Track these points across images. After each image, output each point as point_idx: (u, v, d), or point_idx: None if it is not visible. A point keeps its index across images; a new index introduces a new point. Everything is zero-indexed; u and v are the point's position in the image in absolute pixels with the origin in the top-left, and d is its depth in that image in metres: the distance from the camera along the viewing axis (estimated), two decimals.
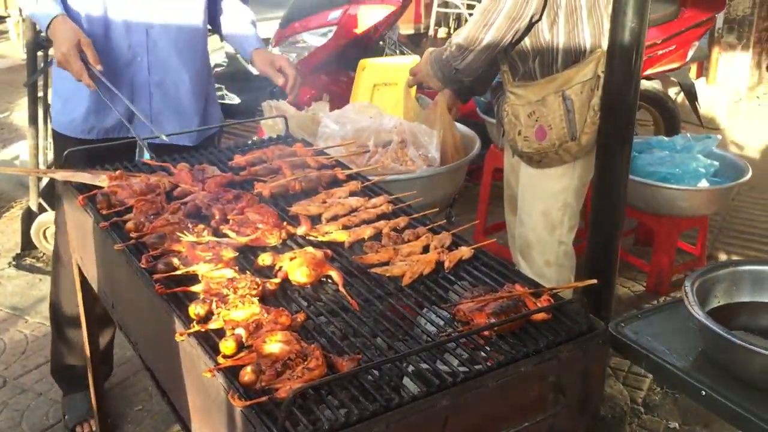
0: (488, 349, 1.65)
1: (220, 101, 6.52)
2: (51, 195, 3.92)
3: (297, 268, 1.85)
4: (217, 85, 6.58)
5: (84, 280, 2.49)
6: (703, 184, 3.98)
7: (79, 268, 2.47)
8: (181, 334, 1.61)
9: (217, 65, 6.54)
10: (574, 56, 2.83)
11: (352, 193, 2.35)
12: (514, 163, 3.17)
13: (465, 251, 2.01)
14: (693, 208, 3.99)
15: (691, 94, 5.33)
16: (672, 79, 5.75)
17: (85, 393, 3.03)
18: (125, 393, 3.40)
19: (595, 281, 1.93)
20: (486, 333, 1.68)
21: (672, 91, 6.01)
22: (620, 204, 2.81)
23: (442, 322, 1.79)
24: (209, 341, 1.63)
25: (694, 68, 7.23)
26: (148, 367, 1.97)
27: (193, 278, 1.84)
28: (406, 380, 1.60)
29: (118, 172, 2.33)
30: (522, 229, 3.11)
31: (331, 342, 1.66)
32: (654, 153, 4.11)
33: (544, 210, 3.01)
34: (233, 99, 6.61)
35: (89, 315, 2.58)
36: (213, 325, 1.65)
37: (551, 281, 2.97)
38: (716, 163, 4.02)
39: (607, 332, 1.72)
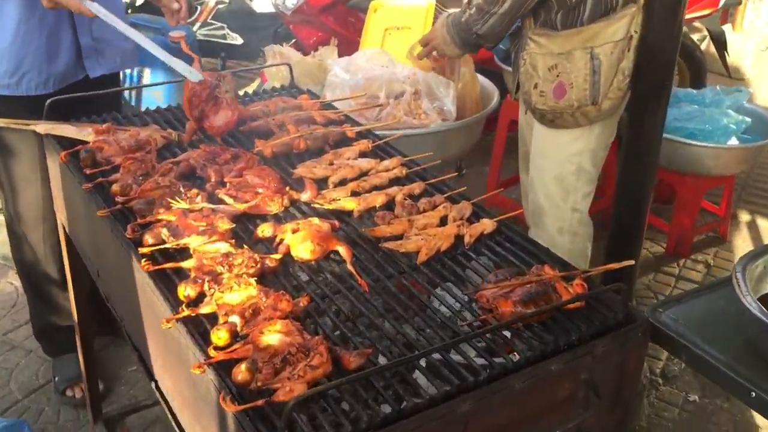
0: (513, 341, 1.46)
1: (222, 41, 6.29)
2: None
3: (300, 243, 1.65)
4: (218, 24, 6.34)
5: (69, 241, 2.30)
6: (733, 141, 3.75)
7: (65, 229, 2.27)
8: (168, 321, 1.42)
9: (218, 2, 6.22)
10: (604, 9, 2.53)
11: (362, 154, 2.14)
12: (528, 119, 2.89)
13: (487, 224, 1.81)
14: (721, 167, 3.76)
15: (720, 43, 5.02)
16: (697, 26, 5.45)
17: (76, 354, 2.87)
18: (118, 353, 3.25)
19: (632, 262, 1.73)
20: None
21: (696, 38, 5.71)
22: (652, 167, 2.61)
23: (458, 305, 1.61)
24: (200, 328, 1.44)
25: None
26: (136, 347, 1.79)
27: (185, 251, 1.65)
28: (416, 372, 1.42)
29: (105, 125, 2.11)
30: (534, 193, 2.87)
31: (336, 330, 1.48)
32: (682, 107, 3.86)
33: (557, 174, 2.74)
34: (236, 39, 6.30)
35: (76, 277, 2.40)
36: (204, 309, 1.46)
37: (564, 250, 2.73)
38: (748, 119, 3.77)
39: (647, 324, 1.52)
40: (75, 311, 2.46)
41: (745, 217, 4.55)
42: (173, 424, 1.65)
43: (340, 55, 3.43)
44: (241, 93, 2.60)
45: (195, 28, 6.04)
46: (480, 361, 1.45)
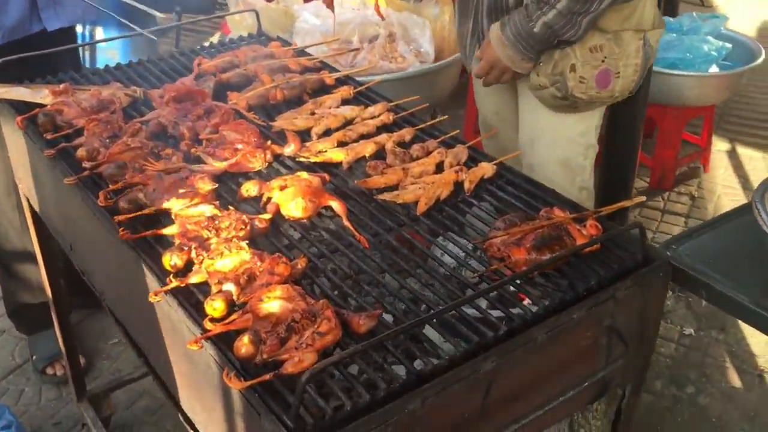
0: (528, 290, 1.37)
1: None
2: None
3: (291, 200, 1.53)
4: None
5: (36, 214, 2.14)
6: (714, 69, 3.67)
7: (29, 201, 2.11)
8: (156, 293, 1.30)
9: None
10: None
11: (344, 101, 2.00)
12: (527, 100, 2.29)
13: (487, 168, 1.70)
14: (703, 96, 3.68)
15: None
16: None
17: (53, 330, 2.73)
18: (97, 326, 3.11)
19: (644, 198, 1.63)
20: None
21: None
22: (642, 100, 2.51)
23: (463, 255, 1.51)
24: (191, 299, 1.32)
25: None
26: (119, 321, 1.66)
27: (165, 217, 1.51)
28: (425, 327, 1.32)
29: (63, 86, 1.94)
30: (533, 175, 2.33)
31: (339, 291, 1.37)
32: None
33: (563, 158, 2.30)
34: None
35: (46, 251, 2.25)
36: (194, 278, 1.34)
37: None
38: (728, 45, 3.68)
39: (667, 263, 1.44)
40: (48, 287, 2.31)
41: (724, 146, 4.51)
42: (168, 400, 1.54)
43: (307, 1, 3.25)
44: (205, 44, 2.43)
45: None
46: (495, 313, 1.35)
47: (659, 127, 3.88)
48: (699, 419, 2.76)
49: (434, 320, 1.26)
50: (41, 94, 1.90)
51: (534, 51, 2.04)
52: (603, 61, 2.08)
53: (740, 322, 3.12)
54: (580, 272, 1.40)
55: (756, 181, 4.19)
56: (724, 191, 4.09)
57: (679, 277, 1.56)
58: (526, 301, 1.37)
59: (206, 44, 2.41)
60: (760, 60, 3.71)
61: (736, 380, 2.92)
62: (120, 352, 3.05)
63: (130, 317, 1.59)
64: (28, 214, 2.16)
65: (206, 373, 1.24)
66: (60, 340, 2.45)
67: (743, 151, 4.45)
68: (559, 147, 2.27)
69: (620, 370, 1.39)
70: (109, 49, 5.18)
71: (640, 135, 2.50)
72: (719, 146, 4.45)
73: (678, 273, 1.55)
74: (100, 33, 5.23)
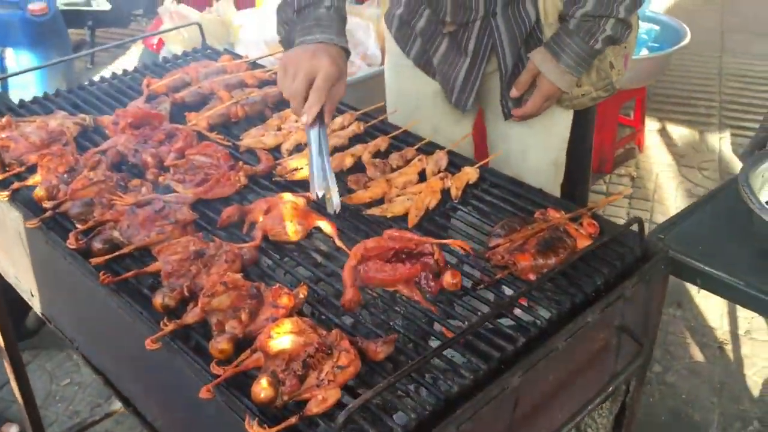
0: (536, 295, 1.34)
1: (86, 8, 5.72)
2: None
3: (279, 224, 1.45)
4: None
5: None
6: (644, 51, 3.75)
7: None
8: (154, 341, 1.20)
9: None
10: None
11: None
12: (504, 123, 2.08)
13: (471, 172, 1.66)
14: (636, 79, 3.75)
15: None
16: None
17: None
18: (42, 368, 2.93)
19: (630, 190, 1.62)
20: (531, 276, 1.37)
21: None
22: None
23: (455, 261, 1.46)
24: (189, 341, 1.23)
25: None
26: (99, 370, 1.54)
27: (143, 254, 1.41)
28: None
29: (5, 119, 1.80)
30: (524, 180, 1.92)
31: (343, 315, 1.31)
32: None
33: (555, 159, 2.16)
34: (101, 4, 5.74)
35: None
36: (191, 318, 1.25)
37: None
38: (656, 27, 3.77)
39: (668, 256, 1.43)
40: (1, 341, 2.14)
41: (655, 125, 4.63)
42: None
43: (238, 8, 3.14)
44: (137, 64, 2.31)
45: None
46: (504, 321, 1.32)
47: (596, 112, 3.94)
48: (669, 397, 2.82)
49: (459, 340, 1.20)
50: None
51: (587, 63, 1.87)
52: (625, 47, 1.98)
53: (694, 297, 3.22)
54: (584, 273, 1.38)
55: (690, 157, 4.33)
56: (661, 169, 4.20)
57: (674, 268, 1.56)
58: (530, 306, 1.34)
59: (142, 64, 2.29)
60: (686, 40, 3.81)
61: (699, 355, 3.00)
62: (74, 393, 2.89)
63: (113, 365, 1.48)
64: None
65: (220, 422, 1.15)
66: (17, 392, 2.28)
67: (674, 129, 4.59)
68: (552, 150, 2.15)
69: (631, 367, 1.38)
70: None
71: (595, 120, 2.52)
72: (650, 126, 4.57)
73: (673, 264, 1.55)
74: (10, 54, 4.96)
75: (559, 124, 2.08)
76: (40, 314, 1.70)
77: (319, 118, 1.53)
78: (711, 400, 2.80)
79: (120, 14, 5.71)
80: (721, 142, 4.48)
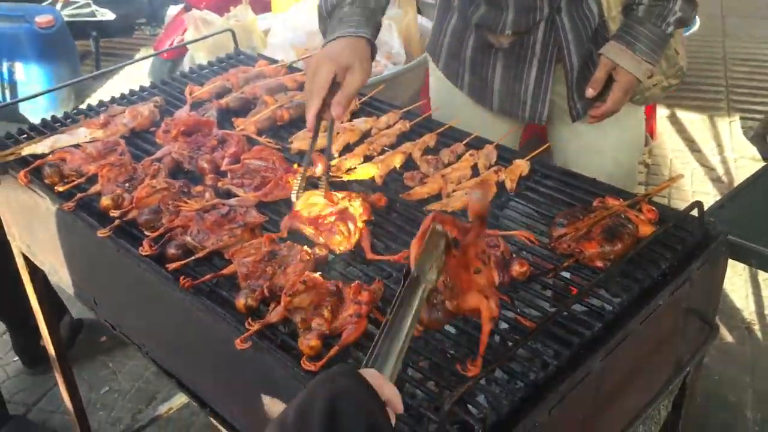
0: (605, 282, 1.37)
1: (90, 19, 5.72)
2: None
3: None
4: (83, 0, 5.76)
5: (33, 271, 2.01)
6: None
7: (25, 258, 1.97)
8: (243, 341, 1.23)
9: None
10: None
11: (353, 114, 1.96)
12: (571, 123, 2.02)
13: (523, 165, 1.69)
14: None
15: None
16: None
17: (13, 425, 2.57)
18: (82, 376, 2.95)
19: (683, 175, 1.66)
20: (599, 263, 1.40)
21: None
22: None
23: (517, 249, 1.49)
24: (275, 340, 1.26)
25: None
26: (169, 372, 1.57)
27: (214, 257, 1.44)
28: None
29: (102, 117, 1.85)
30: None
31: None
32: None
33: (632, 158, 2.13)
34: (106, 14, 5.74)
35: (46, 309, 2.11)
36: (274, 317, 1.28)
37: None
38: None
39: (727, 238, 1.47)
40: (52, 348, 2.17)
41: (664, 111, 4.67)
42: None
43: (256, 12, 3.17)
44: (177, 72, 2.33)
45: (58, 8, 5.46)
46: (578, 308, 1.35)
47: None
48: (702, 378, 2.85)
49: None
50: (80, 134, 1.79)
51: (662, 52, 1.85)
52: (680, 32, 1.95)
53: None
54: (647, 257, 1.41)
55: (702, 141, 4.37)
56: (674, 155, 4.24)
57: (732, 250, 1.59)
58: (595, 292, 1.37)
59: (179, 72, 2.31)
60: (695, 27, 3.85)
61: (728, 336, 3.04)
62: (114, 401, 2.90)
63: (187, 367, 1.51)
64: (24, 273, 2.02)
65: None
66: (68, 400, 2.31)
67: (684, 115, 4.63)
68: (632, 147, 2.10)
69: (704, 347, 1.41)
70: (31, 85, 4.93)
71: None
72: (660, 113, 4.61)
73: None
74: (19, 67, 4.97)
75: (633, 120, 2.05)
76: (103, 321, 1.73)
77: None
78: (743, 379, 2.84)
79: (124, 24, 5.72)
80: (732, 126, 4.53)
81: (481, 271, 1.19)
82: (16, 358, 3.02)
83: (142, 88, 2.15)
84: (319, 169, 1.70)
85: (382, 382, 0.88)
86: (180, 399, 2.63)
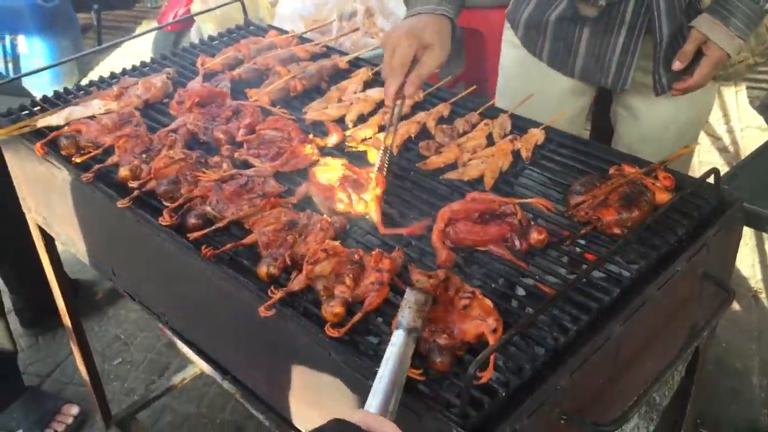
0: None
1: None
2: None
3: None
4: None
5: (48, 242, 2.02)
6: None
7: (41, 230, 1.99)
8: (267, 308, 1.24)
9: None
10: None
11: (365, 84, 1.96)
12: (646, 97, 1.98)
13: (538, 134, 1.70)
14: None
15: None
16: None
17: (19, 395, 2.60)
18: (95, 348, 2.97)
19: (698, 143, 1.67)
20: (616, 230, 1.41)
21: None
22: None
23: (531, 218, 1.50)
24: (298, 308, 1.28)
25: None
26: (189, 341, 1.59)
27: (233, 227, 1.45)
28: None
29: (116, 88, 1.86)
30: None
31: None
32: None
33: (695, 133, 2.10)
34: None
35: (63, 279, 2.13)
36: (296, 285, 1.29)
37: None
38: None
39: (743, 205, 1.48)
40: (67, 314, 2.19)
41: None
42: (261, 417, 1.49)
43: None
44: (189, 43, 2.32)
45: None
46: (596, 274, 1.36)
47: None
48: (710, 346, 2.88)
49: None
50: (94, 106, 1.80)
51: (756, 28, 1.79)
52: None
53: None
54: (664, 224, 1.42)
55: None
56: None
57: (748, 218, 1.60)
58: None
59: (188, 43, 2.30)
60: None
61: (734, 304, 3.06)
62: (127, 372, 2.94)
63: (209, 336, 1.53)
64: (40, 245, 2.04)
65: (335, 382, 1.20)
66: (83, 369, 2.34)
67: None
68: (699, 123, 2.07)
69: (721, 312, 1.43)
70: (34, 58, 4.91)
71: None
72: None
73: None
74: (22, 40, 4.95)
75: (708, 94, 2.00)
76: (122, 291, 1.75)
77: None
78: (750, 347, 2.87)
79: None
80: (738, 96, 4.51)
81: (469, 306, 1.20)
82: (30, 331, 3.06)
83: (153, 60, 2.14)
84: (334, 139, 1.71)
85: (381, 420, 0.94)
86: (193, 370, 2.66)
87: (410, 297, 1.18)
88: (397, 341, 1.11)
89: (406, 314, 1.15)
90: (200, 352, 1.57)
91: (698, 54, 1.77)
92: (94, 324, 3.13)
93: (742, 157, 3.97)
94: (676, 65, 1.80)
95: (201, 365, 1.63)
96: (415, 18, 1.59)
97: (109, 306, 3.22)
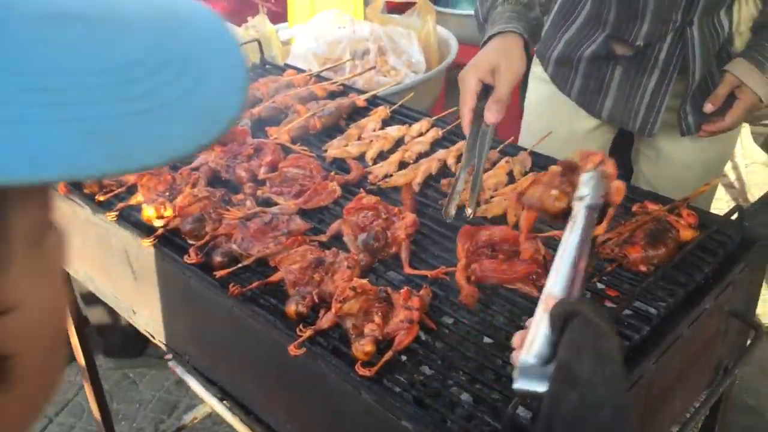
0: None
1: None
2: None
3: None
4: None
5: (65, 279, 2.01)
6: None
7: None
8: (297, 347, 1.24)
9: None
10: None
11: (383, 122, 1.97)
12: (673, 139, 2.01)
13: (558, 171, 1.70)
14: None
15: None
16: None
17: None
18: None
19: (719, 180, 1.68)
20: (642, 268, 1.42)
21: None
22: None
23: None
24: (327, 346, 1.27)
25: None
26: (212, 380, 1.58)
27: (258, 265, 1.45)
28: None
29: None
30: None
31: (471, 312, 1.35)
32: None
33: (716, 173, 2.15)
34: None
35: (77, 315, 2.12)
36: (325, 323, 1.29)
37: None
38: None
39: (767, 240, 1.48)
40: (80, 352, 2.17)
41: None
42: None
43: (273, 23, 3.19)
44: None
45: None
46: (626, 313, 1.36)
47: None
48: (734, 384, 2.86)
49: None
50: None
51: None
52: None
53: None
54: (689, 262, 1.42)
55: None
56: None
57: None
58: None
59: None
60: None
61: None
62: (136, 411, 2.91)
63: (232, 375, 1.52)
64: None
65: (366, 421, 1.20)
66: (96, 411, 2.32)
67: None
68: (720, 163, 2.11)
69: (750, 350, 1.42)
70: None
71: None
72: None
73: None
74: None
75: (731, 135, 2.01)
76: (143, 331, 1.74)
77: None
78: (764, 384, 2.85)
79: None
80: (742, 132, 4.54)
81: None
82: None
83: None
84: (353, 176, 1.72)
85: None
86: (204, 408, 2.63)
87: (590, 178, 1.10)
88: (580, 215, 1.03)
89: (586, 191, 1.08)
90: (223, 392, 1.55)
91: (730, 97, 1.78)
92: (101, 362, 3.11)
93: (747, 193, 4.01)
94: (708, 107, 1.81)
95: (214, 405, 1.62)
96: (484, 47, 1.62)
97: None
